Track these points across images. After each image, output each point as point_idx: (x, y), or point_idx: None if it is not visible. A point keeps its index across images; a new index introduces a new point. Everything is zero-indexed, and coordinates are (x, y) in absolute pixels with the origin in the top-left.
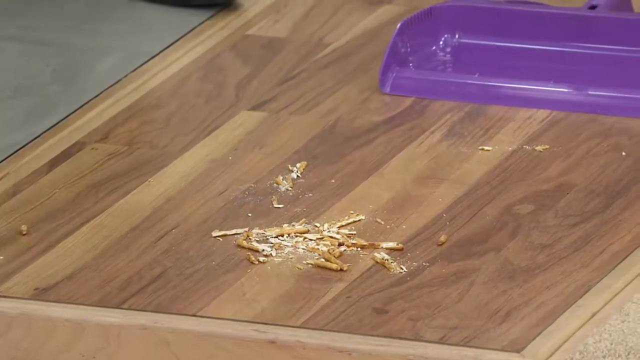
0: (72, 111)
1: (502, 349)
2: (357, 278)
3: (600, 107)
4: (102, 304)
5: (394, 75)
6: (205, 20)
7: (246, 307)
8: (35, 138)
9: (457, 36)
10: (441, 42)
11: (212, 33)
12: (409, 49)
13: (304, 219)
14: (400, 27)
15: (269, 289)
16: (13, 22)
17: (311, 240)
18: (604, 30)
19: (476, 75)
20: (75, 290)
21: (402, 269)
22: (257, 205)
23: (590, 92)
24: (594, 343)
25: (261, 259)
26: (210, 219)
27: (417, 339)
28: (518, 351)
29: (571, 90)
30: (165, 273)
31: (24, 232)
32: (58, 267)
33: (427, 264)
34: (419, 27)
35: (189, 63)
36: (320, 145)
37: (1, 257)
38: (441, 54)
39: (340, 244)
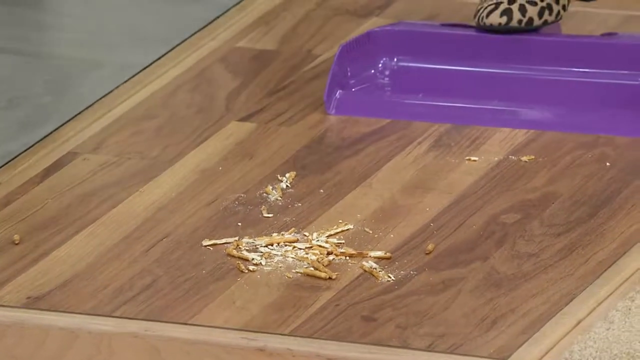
0: (65, 122)
1: (489, 356)
2: (346, 286)
3: (539, 125)
4: (94, 312)
5: (337, 97)
6: (195, 32)
7: (236, 315)
8: (28, 148)
9: (395, 59)
10: (380, 65)
11: (202, 45)
12: (349, 73)
13: (293, 228)
14: (340, 51)
15: (258, 297)
16: (7, 35)
17: (300, 249)
18: (539, 52)
19: (420, 96)
20: (68, 299)
21: (390, 277)
22: (247, 214)
23: (528, 111)
24: (579, 350)
25: (251, 267)
26: (201, 228)
27: (405, 346)
28: (504, 358)
29: (511, 109)
30: (157, 281)
31: (17, 242)
32: (50, 275)
33: (415, 272)
34: (358, 52)
35: (179, 75)
36: (309, 155)
37: None
38: (380, 76)
39: (329, 253)
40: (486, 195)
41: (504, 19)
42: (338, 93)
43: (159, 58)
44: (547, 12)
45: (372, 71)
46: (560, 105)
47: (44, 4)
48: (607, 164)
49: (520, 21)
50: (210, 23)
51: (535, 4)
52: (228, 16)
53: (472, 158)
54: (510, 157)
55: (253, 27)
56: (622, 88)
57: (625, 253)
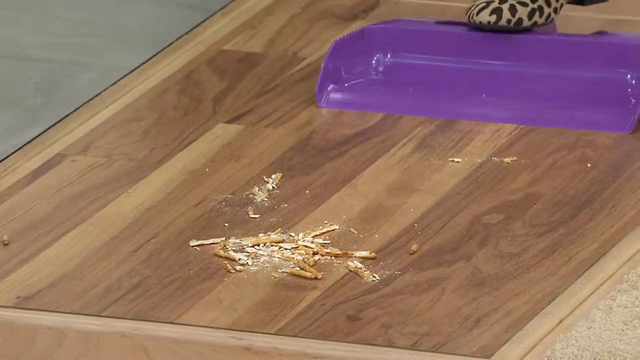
0: (53, 124)
1: (473, 355)
2: (331, 286)
3: (527, 120)
4: (83, 311)
5: (328, 91)
6: (182, 35)
7: (223, 315)
8: (17, 150)
9: (388, 56)
10: (373, 62)
11: (189, 48)
12: (342, 68)
13: (279, 229)
14: (334, 47)
15: (245, 296)
16: None
17: (286, 249)
18: (527, 49)
19: (410, 91)
20: (57, 299)
21: (375, 277)
22: (234, 215)
23: (517, 106)
24: (561, 349)
25: (238, 267)
26: (188, 228)
27: (390, 345)
28: (488, 357)
29: (501, 104)
30: (144, 281)
31: (6, 242)
32: (39, 275)
33: (399, 272)
34: (352, 48)
35: (167, 77)
36: (295, 156)
37: None
38: (373, 72)
39: (314, 253)
40: (469, 196)
41: (493, 18)
42: (330, 87)
43: (146, 61)
44: (537, 14)
45: (365, 67)
46: (549, 101)
47: (32, 7)
48: (588, 165)
49: (509, 21)
50: (196, 27)
51: (526, 5)
52: (214, 20)
53: (456, 159)
54: (493, 158)
55: (239, 30)
56: (608, 84)
57: (606, 253)
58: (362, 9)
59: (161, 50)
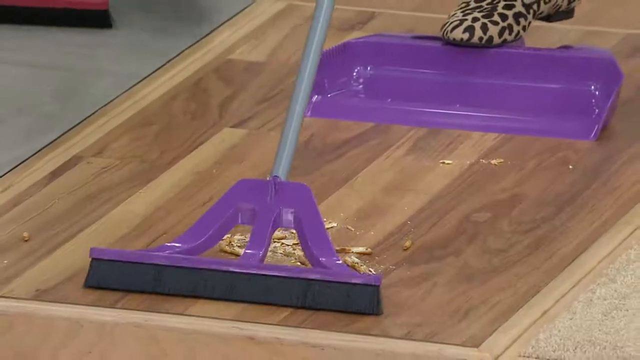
0: (70, 128)
1: (462, 344)
2: None
3: (499, 129)
4: (97, 303)
5: (313, 102)
6: (191, 46)
7: (228, 307)
8: (36, 153)
9: (369, 68)
10: (354, 73)
11: (197, 57)
12: (325, 80)
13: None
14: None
15: None
16: (19, 47)
17: (288, 245)
18: (499, 63)
19: (389, 101)
20: (73, 292)
21: (370, 271)
22: None
23: (489, 116)
24: (545, 339)
25: None
26: None
27: (384, 335)
28: (476, 346)
29: (474, 114)
30: None
31: (26, 239)
32: (57, 270)
33: (394, 267)
34: (335, 61)
35: (176, 85)
36: (296, 159)
37: (5, 262)
38: (354, 83)
39: None
40: (459, 196)
41: (466, 35)
42: (315, 98)
43: (157, 69)
44: (507, 31)
45: (347, 78)
46: (518, 110)
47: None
48: (570, 166)
49: (481, 38)
50: (204, 37)
51: (497, 23)
52: (220, 31)
53: (446, 161)
54: (481, 160)
55: (244, 41)
56: (574, 95)
57: (586, 249)
58: (358, 20)
59: (171, 60)
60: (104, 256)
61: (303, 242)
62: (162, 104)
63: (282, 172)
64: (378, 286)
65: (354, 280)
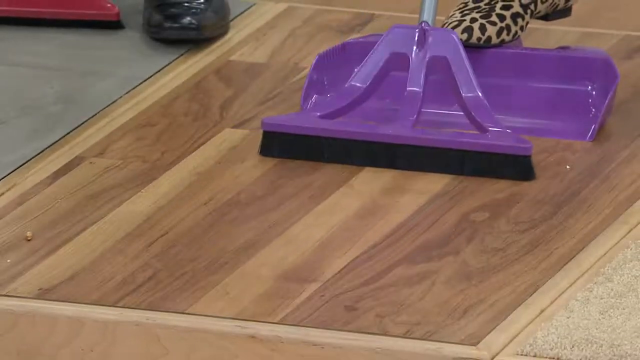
0: (73, 129)
1: (460, 342)
2: (330, 279)
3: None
4: (100, 302)
5: (312, 101)
6: (192, 47)
7: (229, 305)
8: (39, 153)
9: None
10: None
11: (198, 59)
12: (325, 80)
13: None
14: (317, 60)
15: (250, 289)
16: (22, 49)
17: None
18: (497, 63)
19: (388, 101)
20: (75, 290)
21: (371, 270)
22: (240, 213)
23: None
24: (543, 337)
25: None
26: (197, 225)
27: (384, 333)
28: (474, 344)
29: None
30: (157, 274)
31: (29, 238)
32: (60, 269)
33: (393, 265)
34: (334, 61)
35: (178, 86)
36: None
37: (8, 261)
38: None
39: None
40: (458, 196)
41: (464, 36)
42: (314, 97)
43: (159, 70)
44: (505, 32)
45: (346, 78)
46: (516, 110)
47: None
48: (567, 167)
49: (479, 39)
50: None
51: (495, 24)
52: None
53: None
54: None
55: (244, 42)
56: (571, 95)
57: (583, 248)
58: (357, 22)
59: (172, 61)
60: (273, 129)
61: (455, 91)
62: (163, 105)
63: (430, 18)
64: (529, 156)
65: (508, 152)
